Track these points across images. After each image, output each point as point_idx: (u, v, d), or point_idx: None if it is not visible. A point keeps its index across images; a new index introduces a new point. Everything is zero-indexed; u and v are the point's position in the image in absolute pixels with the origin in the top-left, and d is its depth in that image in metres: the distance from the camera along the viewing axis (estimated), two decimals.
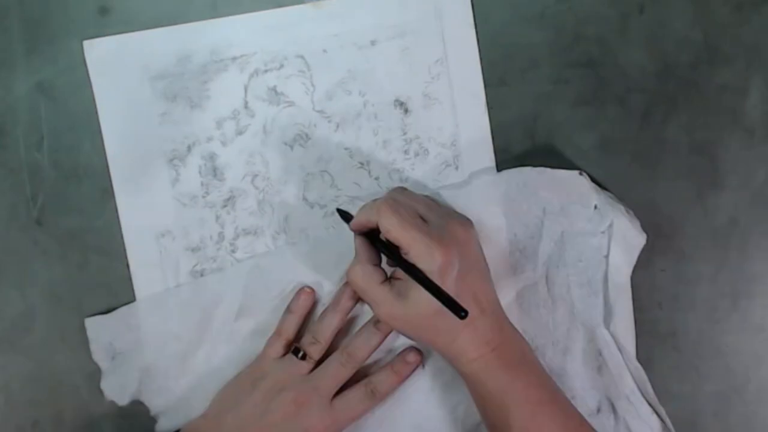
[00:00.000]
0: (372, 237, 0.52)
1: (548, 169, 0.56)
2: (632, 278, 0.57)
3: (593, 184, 0.56)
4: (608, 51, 0.57)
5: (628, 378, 0.56)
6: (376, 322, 0.55)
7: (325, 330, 0.55)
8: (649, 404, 0.56)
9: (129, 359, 0.56)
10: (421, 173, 0.58)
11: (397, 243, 0.50)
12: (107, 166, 0.56)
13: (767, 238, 0.58)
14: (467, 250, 0.51)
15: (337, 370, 0.54)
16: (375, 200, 0.51)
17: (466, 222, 0.52)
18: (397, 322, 0.51)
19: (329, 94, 0.57)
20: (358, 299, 0.56)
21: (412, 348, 0.56)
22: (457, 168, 0.58)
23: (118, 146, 0.56)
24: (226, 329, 0.56)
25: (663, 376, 0.57)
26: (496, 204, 0.56)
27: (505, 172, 0.57)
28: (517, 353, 0.52)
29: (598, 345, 0.56)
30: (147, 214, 0.56)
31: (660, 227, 0.58)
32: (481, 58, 0.57)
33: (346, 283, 0.56)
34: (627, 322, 0.57)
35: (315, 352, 0.54)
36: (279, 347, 0.55)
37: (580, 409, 0.53)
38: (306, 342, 0.54)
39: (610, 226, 0.55)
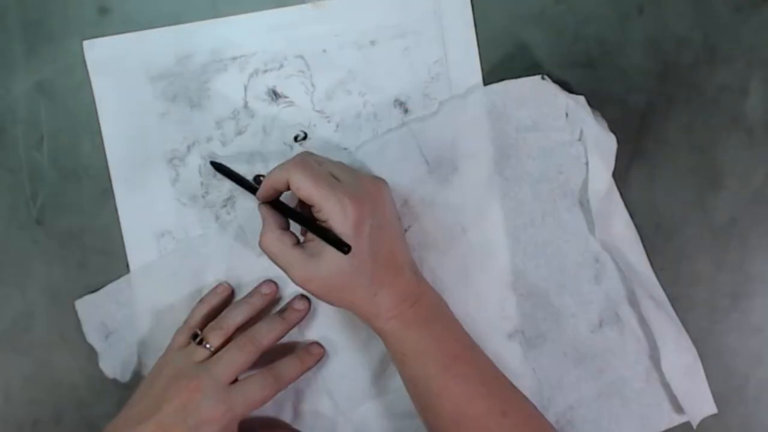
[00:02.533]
0: (276, 203, 0.52)
1: (511, 81, 0.56)
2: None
3: (558, 87, 0.56)
4: (608, 51, 0.57)
5: (626, 282, 0.56)
6: (282, 311, 0.55)
7: (230, 319, 0.53)
8: (655, 303, 0.56)
9: (124, 336, 0.56)
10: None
11: (308, 200, 0.49)
12: (107, 166, 0.56)
13: (766, 238, 0.58)
14: (381, 206, 0.50)
15: (234, 355, 0.51)
16: (282, 163, 0.50)
17: (378, 180, 0.52)
18: (313, 284, 0.50)
19: (329, 94, 0.57)
20: (270, 300, 0.55)
21: (315, 342, 0.56)
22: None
23: (117, 146, 0.56)
24: None
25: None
26: (468, 128, 0.56)
27: (471, 96, 0.56)
28: (434, 308, 0.52)
29: (592, 253, 0.56)
30: (147, 214, 0.56)
31: (660, 227, 0.58)
32: (480, 59, 0.57)
33: (265, 281, 0.56)
34: (622, 225, 0.56)
35: (214, 338, 0.52)
36: (184, 337, 0.54)
37: (581, 326, 0.54)
38: (208, 329, 0.53)
39: (582, 132, 0.56)
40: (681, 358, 0.56)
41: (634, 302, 0.56)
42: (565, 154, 0.56)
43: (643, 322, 0.56)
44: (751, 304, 0.58)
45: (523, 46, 0.57)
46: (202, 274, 0.56)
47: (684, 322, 0.57)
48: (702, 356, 0.57)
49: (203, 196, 0.57)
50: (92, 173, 0.57)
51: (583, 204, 0.56)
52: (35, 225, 0.57)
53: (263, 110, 0.57)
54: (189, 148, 0.57)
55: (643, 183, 0.58)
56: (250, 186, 0.54)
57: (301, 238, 0.52)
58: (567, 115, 0.56)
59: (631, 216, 0.57)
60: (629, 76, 0.57)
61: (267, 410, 0.56)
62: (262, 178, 0.55)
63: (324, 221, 0.49)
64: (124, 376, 0.56)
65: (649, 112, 0.58)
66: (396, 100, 0.57)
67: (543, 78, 0.56)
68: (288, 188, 0.50)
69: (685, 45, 0.57)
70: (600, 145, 0.55)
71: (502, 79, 0.57)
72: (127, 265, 0.56)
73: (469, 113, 0.56)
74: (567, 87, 0.57)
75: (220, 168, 0.55)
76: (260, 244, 0.51)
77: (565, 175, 0.56)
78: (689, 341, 0.56)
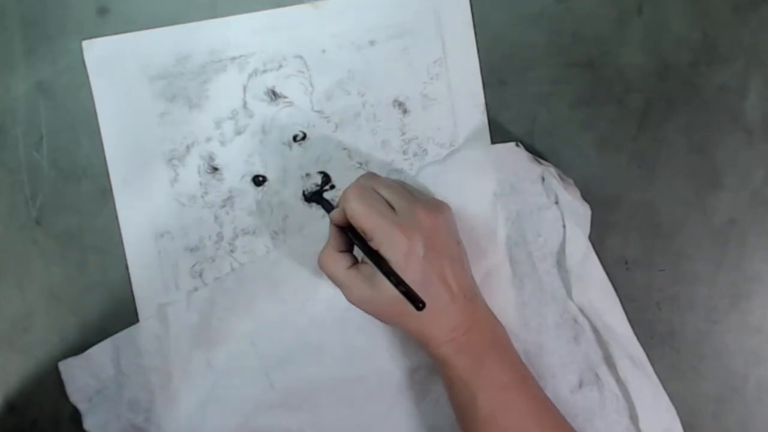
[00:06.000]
0: (352, 229, 0.52)
1: (488, 147, 0.56)
2: (630, 278, 0.57)
3: (531, 155, 0.56)
4: (607, 51, 0.57)
5: (602, 343, 0.56)
6: None
7: None
8: (633, 364, 0.56)
9: (109, 397, 0.56)
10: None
11: (361, 229, 0.50)
12: (106, 166, 0.56)
13: (766, 238, 0.58)
14: (434, 236, 0.50)
15: None
16: (346, 188, 0.52)
17: (435, 207, 0.52)
18: (367, 306, 0.51)
19: (328, 95, 0.57)
20: None
21: None
22: None
23: (117, 146, 0.56)
24: (201, 356, 0.56)
25: (661, 377, 0.57)
26: (447, 194, 0.56)
27: (449, 162, 0.56)
28: (488, 337, 0.52)
29: (571, 314, 0.56)
30: (146, 214, 0.56)
31: (659, 227, 0.58)
32: (479, 59, 0.57)
33: None
34: (600, 287, 0.56)
35: None
36: None
37: (561, 386, 0.54)
38: None
39: (557, 196, 0.56)
40: (660, 419, 0.56)
41: (611, 363, 0.56)
42: (542, 217, 0.56)
43: (619, 381, 0.56)
44: (750, 305, 0.58)
45: (522, 47, 0.57)
46: (184, 335, 0.56)
47: (682, 323, 0.58)
48: (700, 356, 0.57)
49: (202, 197, 0.57)
50: (91, 173, 0.57)
51: (561, 265, 0.57)
52: (35, 225, 0.57)
53: (262, 110, 0.57)
54: (188, 148, 0.57)
55: (642, 183, 0.58)
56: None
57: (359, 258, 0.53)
58: (543, 179, 0.56)
59: (631, 216, 0.57)
60: (628, 76, 0.57)
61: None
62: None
63: (376, 249, 0.50)
64: None
65: (648, 112, 0.58)
66: (395, 101, 0.57)
67: (517, 145, 0.56)
68: (347, 220, 0.51)
69: (685, 45, 0.57)
70: (575, 213, 0.56)
71: (501, 79, 0.57)
72: (126, 265, 0.56)
73: (448, 178, 0.56)
74: (567, 86, 0.57)
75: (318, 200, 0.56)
76: (318, 261, 0.52)
77: (543, 238, 0.56)
78: (668, 401, 0.56)
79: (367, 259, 0.51)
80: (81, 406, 0.56)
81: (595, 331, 0.56)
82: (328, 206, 0.56)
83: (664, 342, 0.58)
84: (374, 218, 0.49)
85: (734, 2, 0.57)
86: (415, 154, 0.57)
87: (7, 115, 0.56)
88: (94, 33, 0.56)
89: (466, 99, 0.57)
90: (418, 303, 0.46)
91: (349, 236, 0.52)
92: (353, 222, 0.50)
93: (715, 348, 0.58)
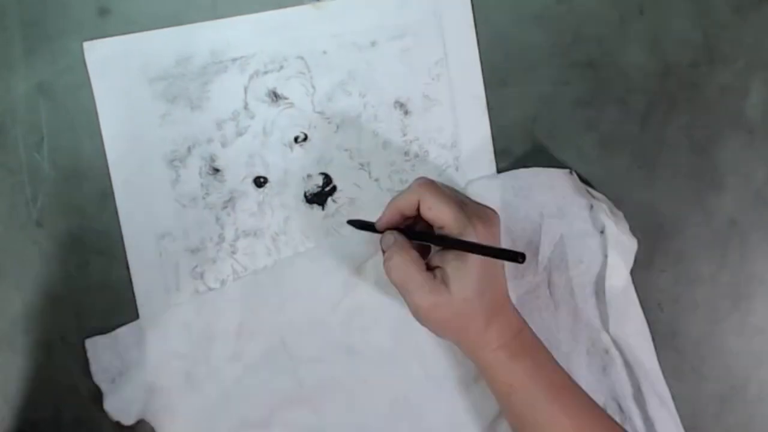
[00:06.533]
0: (402, 231, 0.52)
1: (541, 169, 0.56)
2: (632, 279, 0.57)
3: (583, 184, 0.56)
4: (608, 51, 0.57)
5: (633, 378, 0.56)
6: None
7: None
8: (660, 401, 0.56)
9: (131, 379, 0.56)
10: (422, 174, 0.57)
11: (437, 220, 0.49)
12: (107, 167, 0.56)
13: (767, 238, 0.58)
14: (497, 233, 0.51)
15: None
16: (405, 189, 0.51)
17: (487, 216, 0.52)
18: (439, 312, 0.49)
19: (329, 96, 0.57)
20: None
21: None
22: (457, 169, 0.57)
23: (118, 147, 0.56)
24: (228, 347, 0.56)
25: (663, 377, 0.57)
26: (494, 208, 0.55)
27: (500, 177, 0.57)
28: (535, 340, 0.52)
29: (603, 344, 0.56)
30: (147, 215, 0.56)
31: (660, 228, 0.58)
32: (481, 59, 0.57)
33: None
34: (636, 323, 0.56)
35: None
36: None
37: None
38: None
39: (604, 226, 0.55)
40: None
41: (639, 399, 0.56)
42: (586, 244, 0.56)
43: (646, 419, 0.56)
44: (751, 305, 0.58)
45: (524, 47, 0.57)
46: (213, 326, 0.56)
47: (685, 324, 0.58)
48: (702, 357, 0.57)
49: (203, 198, 0.57)
50: (92, 174, 0.56)
51: (599, 295, 0.56)
52: (35, 226, 0.57)
53: (263, 112, 0.57)
54: (189, 149, 0.57)
55: (643, 183, 0.58)
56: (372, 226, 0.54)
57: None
58: (591, 207, 0.56)
59: (633, 217, 0.57)
60: (629, 76, 0.57)
61: None
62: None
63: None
64: (128, 420, 0.56)
65: (649, 112, 0.58)
66: (396, 101, 0.57)
67: (571, 173, 0.56)
68: (415, 212, 0.50)
69: (686, 45, 0.57)
70: (620, 245, 0.55)
71: (503, 79, 0.57)
72: (127, 266, 0.56)
73: (497, 194, 0.56)
74: (568, 87, 0.57)
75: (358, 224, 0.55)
76: (386, 269, 0.50)
77: (585, 265, 0.56)
78: None
79: (437, 262, 0.50)
80: (103, 386, 0.56)
81: (627, 365, 0.56)
82: (369, 226, 0.54)
83: (666, 343, 0.58)
84: (453, 207, 0.49)
85: (735, 2, 0.57)
86: (416, 156, 0.57)
87: (8, 116, 0.56)
88: (95, 34, 0.56)
89: (467, 100, 0.57)
90: (517, 257, 0.46)
91: (413, 235, 0.51)
92: (430, 213, 0.49)
93: (717, 348, 0.58)
